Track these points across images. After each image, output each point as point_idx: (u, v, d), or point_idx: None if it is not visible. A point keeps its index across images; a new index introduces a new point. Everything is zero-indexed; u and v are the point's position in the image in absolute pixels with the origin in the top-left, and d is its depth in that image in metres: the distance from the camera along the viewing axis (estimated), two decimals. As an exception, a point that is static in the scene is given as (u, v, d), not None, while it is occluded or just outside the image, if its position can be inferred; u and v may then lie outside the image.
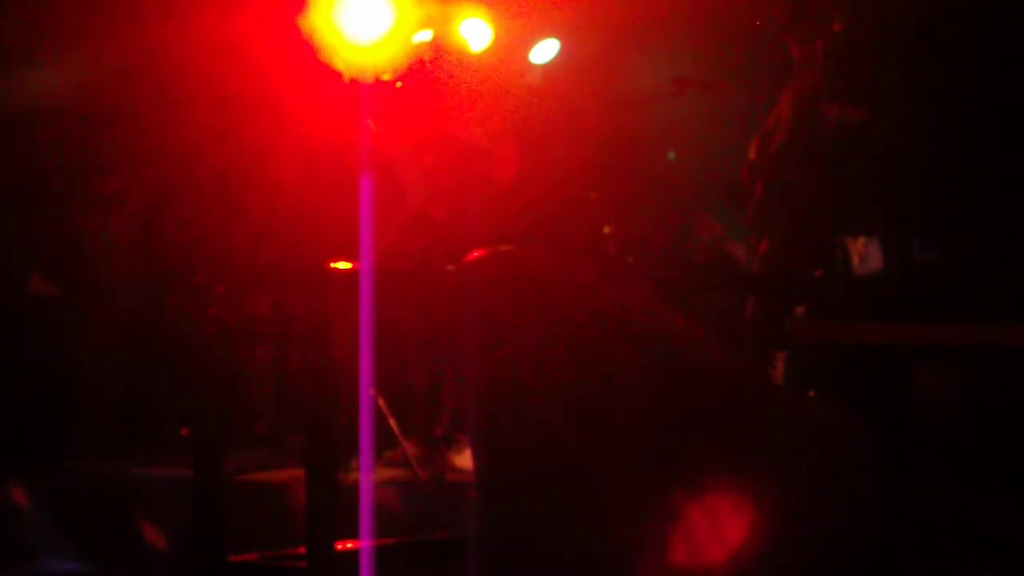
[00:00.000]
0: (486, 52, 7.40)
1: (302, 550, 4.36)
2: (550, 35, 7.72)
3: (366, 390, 5.01)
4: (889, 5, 4.89)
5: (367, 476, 4.73)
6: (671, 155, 8.35)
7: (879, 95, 5.14)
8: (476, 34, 7.36)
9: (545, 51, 7.76)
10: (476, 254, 3.45)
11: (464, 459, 6.12)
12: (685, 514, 3.19)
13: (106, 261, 7.06)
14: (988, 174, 4.52)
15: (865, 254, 5.55)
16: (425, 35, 7.09)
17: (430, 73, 7.01)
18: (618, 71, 7.83)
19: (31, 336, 6.93)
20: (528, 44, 7.72)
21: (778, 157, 6.09)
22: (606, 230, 7.22)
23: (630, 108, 7.69)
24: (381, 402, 6.15)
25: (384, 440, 6.19)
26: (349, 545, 4.34)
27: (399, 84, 6.63)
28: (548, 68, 7.80)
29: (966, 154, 4.53)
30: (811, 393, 5.22)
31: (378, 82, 6.45)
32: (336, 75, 6.25)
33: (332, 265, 4.49)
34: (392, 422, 6.18)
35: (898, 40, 4.73)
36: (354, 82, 6.27)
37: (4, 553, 5.89)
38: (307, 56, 6.19)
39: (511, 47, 7.57)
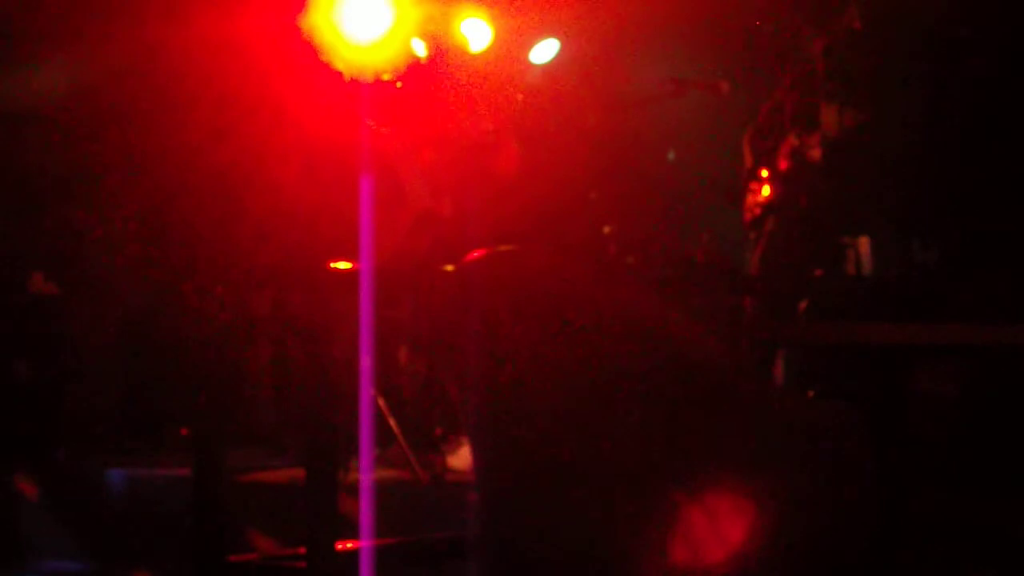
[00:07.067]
0: (486, 52, 7.40)
1: (302, 550, 4.36)
2: (550, 35, 7.72)
3: (366, 390, 5.01)
4: (893, 5, 4.89)
5: (367, 476, 4.72)
6: (671, 155, 8.35)
7: (881, 95, 5.14)
8: (476, 34, 7.36)
9: (545, 51, 7.76)
10: (476, 254, 3.45)
11: (464, 459, 6.12)
12: (685, 514, 3.19)
13: (106, 261, 7.06)
14: (989, 175, 4.52)
15: (865, 254, 5.56)
16: (425, 35, 7.08)
17: (430, 73, 7.00)
18: (618, 71, 7.83)
19: (31, 335, 6.93)
20: (528, 44, 7.72)
21: (779, 155, 6.09)
22: (606, 230, 7.22)
23: (630, 108, 7.69)
24: (381, 402, 6.15)
25: (384, 440, 6.19)
26: (349, 545, 4.34)
27: (399, 84, 6.62)
28: (548, 68, 7.80)
29: (967, 155, 4.54)
30: (811, 393, 5.22)
31: (378, 82, 6.45)
32: (336, 75, 6.25)
33: (332, 265, 4.49)
34: (392, 422, 6.18)
35: (902, 40, 4.74)
36: (354, 82, 6.27)
37: (4, 553, 5.89)
38: (307, 56, 6.18)
39: (511, 47, 7.57)
